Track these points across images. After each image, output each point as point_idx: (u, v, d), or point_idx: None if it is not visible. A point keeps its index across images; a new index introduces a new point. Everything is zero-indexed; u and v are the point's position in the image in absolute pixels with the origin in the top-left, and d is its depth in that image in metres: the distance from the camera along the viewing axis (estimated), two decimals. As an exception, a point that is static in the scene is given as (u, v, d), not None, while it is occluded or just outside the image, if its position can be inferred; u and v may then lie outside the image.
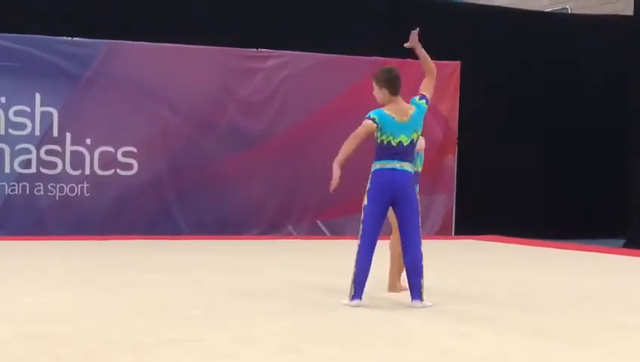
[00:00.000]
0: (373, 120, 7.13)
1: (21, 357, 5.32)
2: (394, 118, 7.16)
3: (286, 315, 6.96)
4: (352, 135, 7.13)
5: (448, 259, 11.44)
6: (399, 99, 7.27)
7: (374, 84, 7.29)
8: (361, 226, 7.22)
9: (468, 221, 14.70)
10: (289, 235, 13.68)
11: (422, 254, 7.19)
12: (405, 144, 7.18)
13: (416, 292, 7.15)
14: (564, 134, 15.75)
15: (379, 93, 7.26)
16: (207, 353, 5.47)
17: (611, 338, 6.39)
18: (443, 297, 7.74)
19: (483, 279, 9.66)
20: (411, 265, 7.17)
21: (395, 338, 6.08)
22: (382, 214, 7.20)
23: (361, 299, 7.18)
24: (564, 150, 15.74)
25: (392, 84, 7.24)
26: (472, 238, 14.19)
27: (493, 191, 15.21)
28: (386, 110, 7.19)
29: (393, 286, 8.05)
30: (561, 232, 14.69)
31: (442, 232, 14.57)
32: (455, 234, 14.69)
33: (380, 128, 7.12)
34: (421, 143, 7.73)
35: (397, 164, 7.17)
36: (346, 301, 7.20)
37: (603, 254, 12.74)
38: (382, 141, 7.14)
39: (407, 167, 7.20)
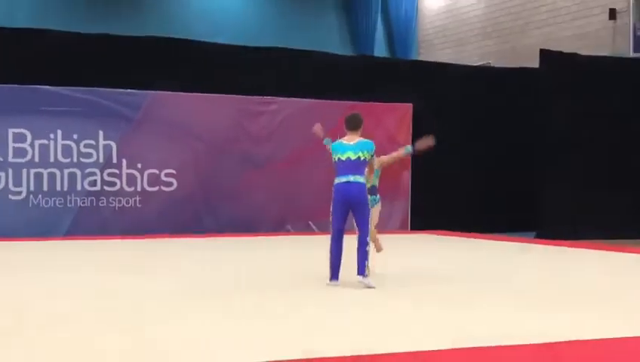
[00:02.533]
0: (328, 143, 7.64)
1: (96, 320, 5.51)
2: (342, 142, 7.38)
3: (288, 289, 7.18)
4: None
5: (402, 247, 11.54)
6: (354, 134, 7.41)
7: None
8: (331, 226, 7.39)
9: (421, 219, 14.75)
10: (288, 232, 13.80)
11: (367, 243, 7.24)
12: (353, 159, 7.24)
13: (361, 269, 7.23)
14: (492, 152, 15.74)
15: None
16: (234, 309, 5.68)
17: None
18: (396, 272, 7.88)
19: (423, 263, 9.79)
20: (359, 251, 7.25)
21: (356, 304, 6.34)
22: (343, 217, 7.31)
23: (337, 279, 7.30)
24: (491, 166, 15.72)
25: (346, 123, 7.46)
26: (423, 233, 14.20)
27: (440, 197, 15.16)
28: (339, 139, 7.47)
29: (379, 248, 8.65)
30: (489, 226, 14.67)
31: (401, 228, 14.66)
32: (411, 229, 14.73)
33: (332, 150, 7.40)
34: (377, 162, 7.90)
35: (350, 178, 7.22)
36: (327, 281, 7.34)
37: (518, 243, 12.78)
38: (335, 159, 7.34)
39: (359, 178, 7.24)
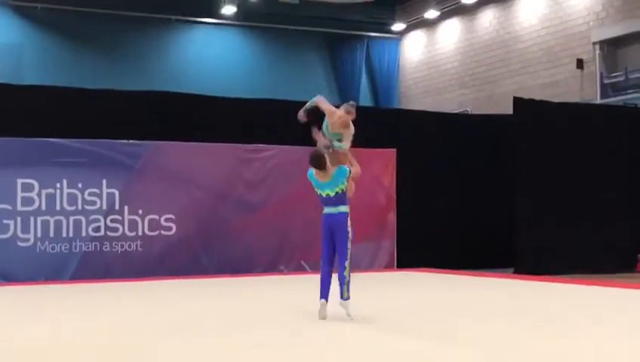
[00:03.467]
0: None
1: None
2: (317, 179, 7.57)
3: (283, 322, 7.16)
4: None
5: (388, 285, 11.54)
6: (324, 171, 7.58)
7: None
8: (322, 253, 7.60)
9: (406, 257, 14.72)
10: (281, 272, 13.77)
11: (345, 268, 7.40)
12: (332, 196, 7.49)
13: (341, 294, 7.43)
14: (470, 197, 15.78)
15: None
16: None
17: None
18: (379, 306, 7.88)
19: (403, 298, 9.81)
20: (339, 277, 7.44)
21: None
22: (331, 243, 7.53)
23: (326, 299, 7.45)
24: (471, 205, 15.74)
25: (311, 164, 7.70)
26: (408, 270, 14.19)
27: (425, 235, 15.16)
28: (314, 174, 7.68)
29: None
30: (472, 263, 14.69)
31: (388, 266, 14.64)
32: (397, 267, 14.67)
33: (312, 182, 7.62)
34: (353, 174, 7.80)
35: (333, 209, 7.50)
36: (317, 300, 7.50)
37: (497, 278, 12.87)
38: (316, 192, 7.60)
39: (342, 208, 7.50)
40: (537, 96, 16.18)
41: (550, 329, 6.97)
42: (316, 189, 7.60)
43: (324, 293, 7.47)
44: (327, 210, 7.53)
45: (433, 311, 8.41)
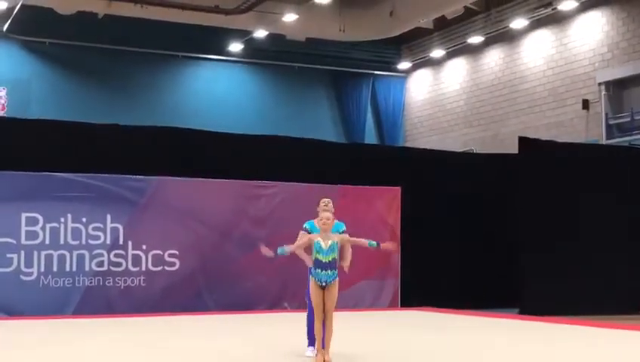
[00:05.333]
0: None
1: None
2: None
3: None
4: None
5: (389, 324, 11.45)
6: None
7: None
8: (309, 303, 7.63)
9: (410, 296, 14.63)
10: (285, 309, 13.71)
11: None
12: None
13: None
14: (475, 235, 15.72)
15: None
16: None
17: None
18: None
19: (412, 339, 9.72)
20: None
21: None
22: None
23: (314, 346, 7.49)
24: (477, 245, 15.68)
25: None
26: (412, 309, 14.12)
27: (430, 274, 15.07)
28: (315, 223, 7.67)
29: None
30: (477, 302, 14.56)
31: (391, 305, 14.55)
32: (401, 306, 14.58)
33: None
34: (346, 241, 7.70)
35: (329, 272, 7.38)
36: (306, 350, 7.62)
37: (503, 319, 12.80)
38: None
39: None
40: (543, 136, 16.22)
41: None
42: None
43: (310, 340, 7.63)
44: (324, 271, 7.33)
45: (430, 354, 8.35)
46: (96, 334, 9.89)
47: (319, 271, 7.30)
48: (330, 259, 7.30)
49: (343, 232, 7.58)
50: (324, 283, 7.32)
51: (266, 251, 7.68)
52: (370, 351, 8.09)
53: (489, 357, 8.12)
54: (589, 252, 14.58)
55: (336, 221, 7.60)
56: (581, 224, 14.64)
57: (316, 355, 7.33)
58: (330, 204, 7.92)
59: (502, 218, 15.65)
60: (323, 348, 7.30)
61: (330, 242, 7.30)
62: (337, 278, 7.38)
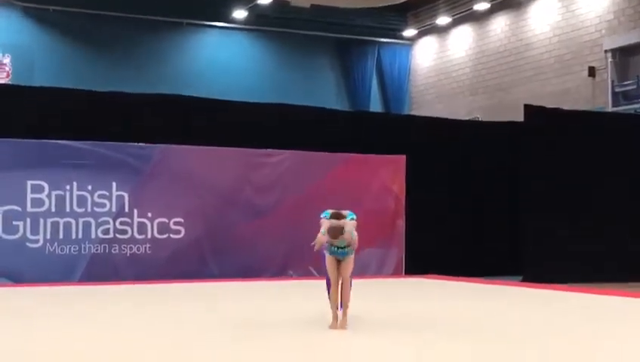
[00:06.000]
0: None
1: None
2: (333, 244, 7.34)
3: (294, 331, 7.15)
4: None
5: (395, 292, 11.50)
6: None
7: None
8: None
9: (415, 264, 14.67)
10: (290, 277, 13.76)
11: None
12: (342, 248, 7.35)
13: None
14: (480, 204, 15.73)
15: None
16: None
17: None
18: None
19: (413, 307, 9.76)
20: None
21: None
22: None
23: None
24: (480, 213, 15.70)
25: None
26: (416, 277, 14.13)
27: (434, 242, 15.09)
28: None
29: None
30: (481, 270, 14.62)
31: (396, 273, 14.58)
32: (405, 273, 14.59)
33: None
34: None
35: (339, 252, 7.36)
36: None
37: (507, 286, 12.84)
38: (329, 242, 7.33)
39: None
40: (548, 104, 16.15)
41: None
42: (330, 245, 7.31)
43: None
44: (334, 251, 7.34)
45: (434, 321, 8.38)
46: (104, 302, 9.93)
47: (335, 249, 7.35)
48: (346, 243, 7.36)
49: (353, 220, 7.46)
50: (340, 258, 7.36)
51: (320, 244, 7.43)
52: (373, 318, 8.13)
53: (490, 324, 8.16)
54: (594, 219, 14.60)
55: (349, 211, 7.50)
56: (586, 191, 14.63)
57: (333, 320, 7.36)
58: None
59: (507, 186, 15.67)
60: (340, 308, 7.35)
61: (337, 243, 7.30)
62: (353, 253, 7.42)
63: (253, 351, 6.01)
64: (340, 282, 7.44)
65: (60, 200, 12.58)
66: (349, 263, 7.40)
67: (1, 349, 6.04)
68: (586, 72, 19.89)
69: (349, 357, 5.90)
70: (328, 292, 7.50)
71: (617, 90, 19.27)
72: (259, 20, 24.86)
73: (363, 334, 6.93)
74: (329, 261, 7.45)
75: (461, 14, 24.05)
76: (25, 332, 7.00)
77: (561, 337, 6.93)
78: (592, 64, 19.81)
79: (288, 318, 8.05)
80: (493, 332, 7.19)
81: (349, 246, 7.32)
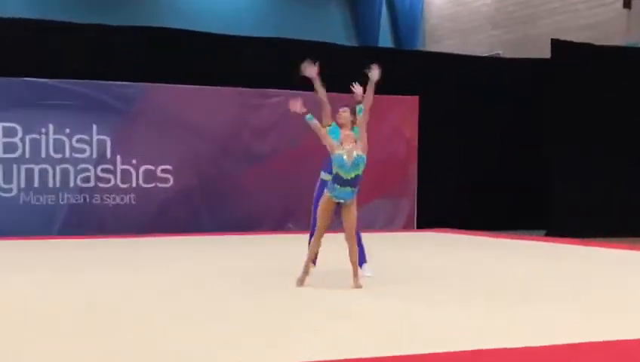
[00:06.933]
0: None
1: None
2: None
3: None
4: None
5: (408, 246, 11.43)
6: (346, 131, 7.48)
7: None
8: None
9: (427, 216, 14.62)
10: (289, 230, 13.70)
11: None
12: (353, 177, 7.20)
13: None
14: (500, 150, 15.66)
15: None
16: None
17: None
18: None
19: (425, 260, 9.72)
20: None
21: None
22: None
23: (367, 263, 7.85)
24: (500, 160, 15.63)
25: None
26: (429, 231, 14.10)
27: (447, 193, 15.09)
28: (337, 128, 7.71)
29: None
30: (501, 223, 14.64)
31: (407, 226, 14.55)
32: (417, 227, 14.61)
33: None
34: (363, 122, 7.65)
35: (348, 189, 7.21)
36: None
37: (526, 241, 12.69)
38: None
39: (355, 190, 7.25)
40: (578, 39, 15.91)
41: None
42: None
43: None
44: (343, 188, 7.16)
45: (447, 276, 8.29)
46: (83, 254, 9.84)
47: (337, 186, 7.14)
48: (352, 176, 7.12)
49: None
50: (341, 201, 7.15)
51: (296, 107, 7.52)
52: (377, 273, 8.03)
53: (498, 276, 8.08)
54: (626, 167, 14.46)
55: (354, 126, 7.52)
56: (618, 136, 14.47)
57: (303, 274, 7.26)
58: (347, 113, 8.01)
59: (531, 130, 15.56)
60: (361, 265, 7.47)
61: (354, 156, 7.08)
62: (355, 197, 7.20)
63: (255, 308, 5.91)
64: (346, 238, 7.28)
65: (35, 144, 12.45)
66: (353, 210, 7.22)
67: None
68: (620, 3, 19.52)
69: (362, 317, 5.79)
70: (309, 243, 7.41)
71: (654, 23, 18.97)
72: (256, -55, 24.44)
73: (374, 294, 6.83)
74: (324, 203, 7.24)
75: (481, -62, 23.59)
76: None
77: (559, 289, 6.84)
78: (628, -7, 19.47)
79: (278, 267, 7.96)
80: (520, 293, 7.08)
81: (356, 185, 7.12)
